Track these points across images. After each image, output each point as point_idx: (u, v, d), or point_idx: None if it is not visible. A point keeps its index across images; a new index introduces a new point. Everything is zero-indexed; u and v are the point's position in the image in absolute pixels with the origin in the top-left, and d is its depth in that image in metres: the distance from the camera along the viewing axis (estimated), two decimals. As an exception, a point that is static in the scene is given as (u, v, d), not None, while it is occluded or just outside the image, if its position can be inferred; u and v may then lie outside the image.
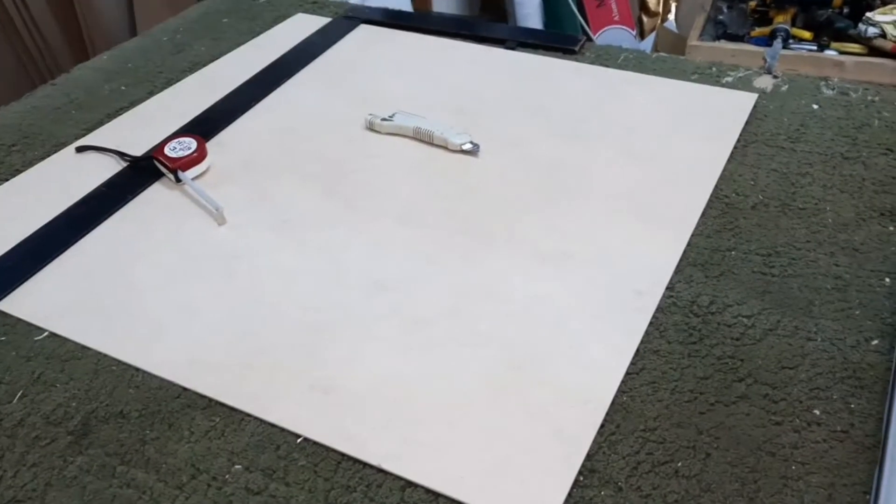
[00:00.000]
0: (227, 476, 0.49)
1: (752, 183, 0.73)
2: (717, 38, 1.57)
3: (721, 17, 1.65)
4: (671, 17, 2.09)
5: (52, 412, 0.54)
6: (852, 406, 0.52)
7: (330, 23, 1.05)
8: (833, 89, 0.86)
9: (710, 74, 0.91)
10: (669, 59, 0.96)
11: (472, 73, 0.92)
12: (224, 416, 0.53)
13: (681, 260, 0.64)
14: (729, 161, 0.76)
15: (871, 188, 0.71)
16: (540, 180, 0.74)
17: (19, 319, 0.61)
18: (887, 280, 0.61)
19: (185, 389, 0.55)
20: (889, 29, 1.44)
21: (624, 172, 0.75)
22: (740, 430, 0.51)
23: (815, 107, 0.83)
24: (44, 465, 0.50)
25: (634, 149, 0.78)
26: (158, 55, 1.01)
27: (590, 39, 0.99)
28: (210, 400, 0.54)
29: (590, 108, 0.85)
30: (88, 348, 0.58)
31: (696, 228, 0.67)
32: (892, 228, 0.66)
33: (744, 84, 0.88)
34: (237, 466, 0.50)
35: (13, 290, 0.64)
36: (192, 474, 0.49)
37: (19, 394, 0.55)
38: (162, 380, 0.56)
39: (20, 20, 1.65)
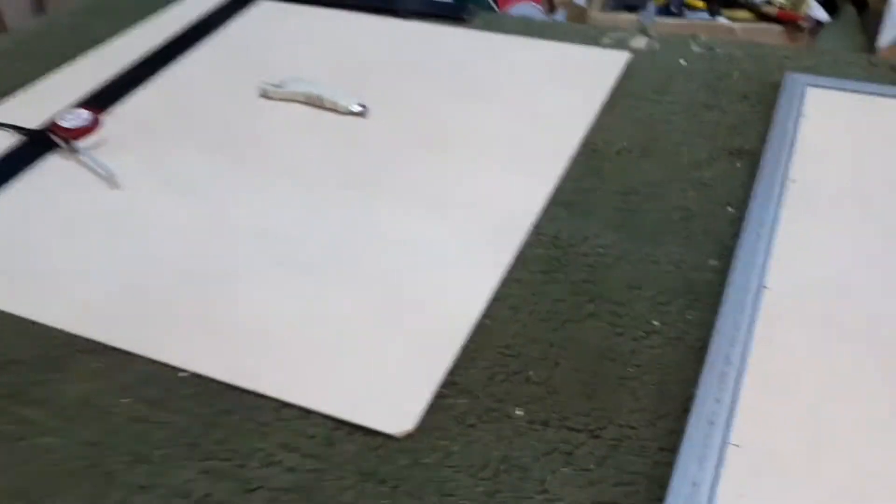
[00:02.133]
0: (114, 408, 0.53)
1: (619, 132, 0.78)
2: (616, 8, 1.64)
3: (622, -11, 1.72)
4: (581, -8, 2.15)
5: (-54, 363, 0.56)
6: (688, 317, 0.58)
7: (227, 0, 1.08)
8: (701, 46, 0.93)
9: (591, 37, 0.96)
10: (554, 24, 1.02)
11: (366, 43, 0.96)
12: (113, 358, 0.56)
13: (548, 201, 0.69)
14: (599, 113, 0.81)
15: (724, 131, 0.78)
16: (423, 137, 0.79)
17: (-86, 283, 0.63)
18: (730, 209, 0.68)
19: (76, 336, 0.58)
20: (775, -4, 1.52)
21: (502, 126, 0.80)
22: (587, 343, 0.56)
23: (683, 62, 0.90)
24: (-63, 409, 0.53)
25: (511, 104, 0.83)
26: (56, 36, 1.02)
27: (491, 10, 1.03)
28: (99, 344, 0.57)
29: (474, 70, 0.89)
30: (-18, 305, 0.61)
31: (564, 173, 0.73)
32: (738, 165, 0.73)
33: (620, 45, 0.94)
34: (124, 400, 0.53)
35: None
36: (80, 409, 0.53)
37: (-87, 349, 0.58)
38: (55, 329, 0.59)
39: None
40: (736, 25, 1.54)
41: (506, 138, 0.78)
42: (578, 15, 1.91)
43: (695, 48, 0.93)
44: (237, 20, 1.03)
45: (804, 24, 1.49)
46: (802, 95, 0.80)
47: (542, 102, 0.83)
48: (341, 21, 1.02)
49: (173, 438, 0.51)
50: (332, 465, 0.49)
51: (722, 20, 1.57)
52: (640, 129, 0.78)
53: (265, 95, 0.86)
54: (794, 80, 0.82)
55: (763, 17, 1.55)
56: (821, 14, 1.52)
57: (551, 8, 2.20)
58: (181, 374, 0.55)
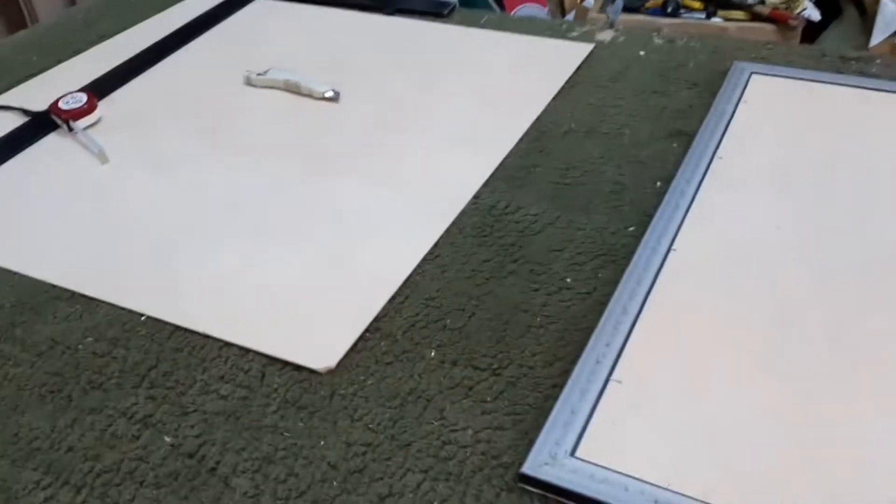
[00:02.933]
0: (79, 346, 0.60)
1: (569, 115, 0.84)
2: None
3: (623, -9, 1.76)
4: (590, -4, 2.20)
5: (-61, 307, 0.64)
6: (600, 275, 0.63)
7: (228, -2, 1.16)
8: (663, 39, 0.98)
9: (560, 30, 1.02)
10: (526, 19, 1.07)
11: (348, 36, 1.03)
12: (84, 304, 0.64)
13: (491, 176, 0.75)
14: (554, 99, 0.87)
15: (669, 115, 0.82)
16: (386, 120, 0.85)
17: (-80, 241, 0.71)
18: (658, 184, 0.72)
19: (54, 286, 0.65)
20: (768, -3, 1.56)
21: (459, 111, 0.86)
22: (504, 297, 0.62)
23: (642, 53, 0.95)
24: (-72, 344, 0.61)
25: (474, 91, 0.89)
26: (70, 31, 1.11)
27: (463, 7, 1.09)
28: (73, 293, 0.65)
29: (443, 61, 0.96)
30: (-24, 260, 0.69)
31: (511, 151, 0.78)
32: (675, 145, 0.78)
33: (587, 37, 0.99)
34: (88, 339, 0.60)
35: (-83, 219, 0.74)
36: (50, 346, 0.60)
37: (-87, 295, 0.66)
38: (35, 280, 0.66)
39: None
40: (729, 25, 1.58)
41: (462, 121, 0.84)
42: (584, 15, 1.96)
43: (657, 40, 0.97)
44: (234, 16, 1.11)
45: (794, 24, 1.53)
46: (746, 82, 0.84)
47: (501, 89, 0.89)
48: (329, 18, 1.09)
49: (126, 371, 0.57)
50: (260, 395, 0.55)
51: (716, 20, 1.61)
52: (589, 112, 0.84)
53: (249, 83, 0.94)
54: (740, 67, 0.87)
55: (756, 16, 1.58)
56: (814, 14, 1.55)
57: (563, 11, 2.25)
58: (142, 318, 0.62)
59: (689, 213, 0.67)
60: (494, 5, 1.89)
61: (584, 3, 2.09)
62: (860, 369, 0.52)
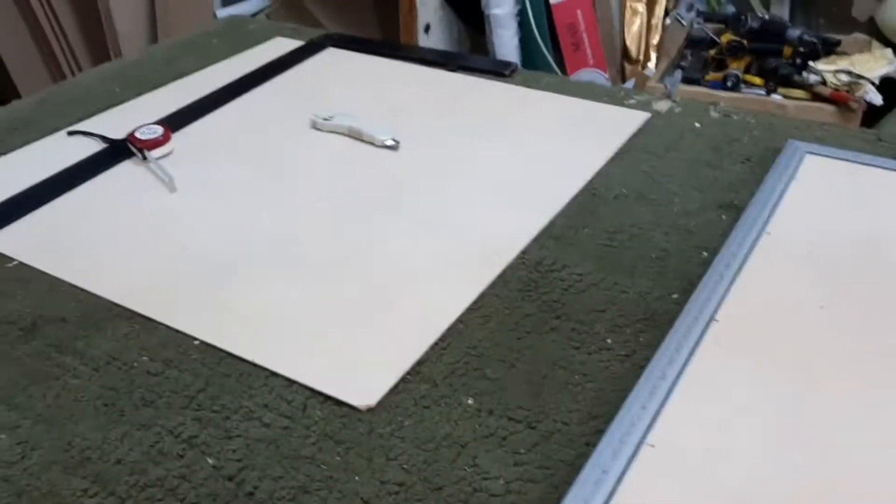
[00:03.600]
0: (134, 363, 0.63)
1: (621, 180, 0.86)
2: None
3: (683, 63, 1.79)
4: (651, 65, 2.24)
5: (9, 315, 0.68)
6: (640, 339, 0.64)
7: (302, 45, 1.21)
8: (719, 112, 1.00)
9: (618, 97, 1.04)
10: (586, 84, 1.10)
11: (412, 88, 1.07)
12: (142, 324, 0.67)
13: (540, 233, 0.77)
14: (607, 163, 0.89)
15: (720, 187, 0.84)
16: (442, 170, 0.88)
17: (-3, 252, 0.76)
18: (704, 254, 0.74)
19: (116, 305, 0.69)
20: (829, 77, 1.57)
21: (514, 167, 0.88)
22: (544, 352, 0.63)
23: (697, 125, 0.96)
24: (-4, 349, 0.65)
25: (529, 150, 0.92)
26: (152, 66, 1.17)
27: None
28: (133, 312, 0.68)
29: (502, 118, 0.99)
30: (46, 273, 0.73)
31: (561, 211, 0.80)
32: (724, 217, 0.79)
33: (644, 106, 1.02)
34: (144, 357, 0.63)
35: (-4, 231, 0.79)
36: (108, 361, 0.63)
37: (-14, 302, 0.70)
38: (99, 297, 0.70)
39: (49, 28, 1.86)
40: (788, 103, 1.59)
41: (515, 177, 0.86)
42: (643, 84, 1.99)
43: (713, 113, 0.99)
44: (305, 63, 1.16)
45: (855, 106, 1.53)
46: (800, 160, 0.85)
47: (556, 149, 0.91)
48: (395, 69, 1.14)
49: (177, 391, 0.60)
50: (301, 426, 0.57)
51: (776, 97, 1.62)
52: (641, 179, 0.85)
53: (314, 127, 0.98)
54: (794, 146, 0.88)
55: (816, 96, 1.59)
56: (875, 98, 1.55)
57: (623, 77, 2.29)
58: (195, 342, 0.65)
59: (734, 285, 0.67)
60: (556, 68, 1.94)
61: (645, 72, 2.12)
62: (892, 450, 0.52)
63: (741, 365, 0.60)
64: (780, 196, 0.80)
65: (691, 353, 0.60)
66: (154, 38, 2.00)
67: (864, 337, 0.62)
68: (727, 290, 0.67)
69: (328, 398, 0.59)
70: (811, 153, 0.87)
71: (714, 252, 0.73)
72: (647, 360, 0.61)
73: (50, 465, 0.54)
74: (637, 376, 0.59)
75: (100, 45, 1.95)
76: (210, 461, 0.54)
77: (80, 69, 1.94)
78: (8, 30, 1.91)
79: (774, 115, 0.99)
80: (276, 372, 0.61)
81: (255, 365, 0.62)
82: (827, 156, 0.87)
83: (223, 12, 1.89)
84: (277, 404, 0.59)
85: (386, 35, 2.17)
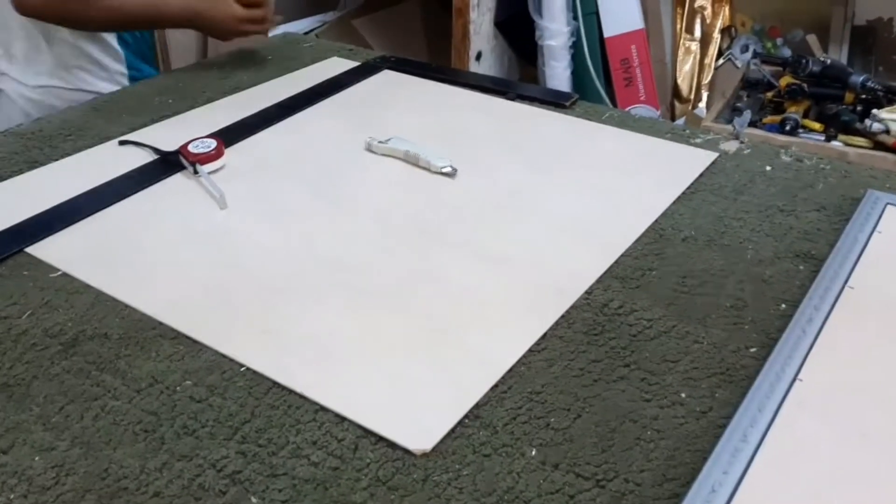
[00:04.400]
0: (177, 387, 0.59)
1: (689, 222, 0.81)
2: (730, 122, 1.67)
3: (739, 104, 1.75)
4: (701, 105, 2.20)
5: (51, 328, 0.65)
6: (717, 395, 0.59)
7: (358, 66, 1.19)
8: (791, 157, 0.95)
9: (683, 135, 1.00)
10: (649, 119, 1.06)
11: (470, 114, 1.04)
12: (187, 346, 0.64)
13: (605, 272, 0.73)
14: (674, 203, 0.85)
15: (795, 235, 0.79)
16: (501, 200, 0.85)
17: (41, 261, 0.74)
18: (783, 306, 0.69)
19: (160, 323, 0.66)
20: (893, 126, 1.51)
21: (577, 202, 0.84)
22: (613, 402, 0.59)
23: (769, 168, 0.92)
24: (35, 363, 0.62)
25: (592, 185, 0.88)
26: (206, 78, 1.16)
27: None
28: (178, 332, 0.65)
29: (563, 150, 0.95)
30: (91, 286, 0.70)
31: (627, 250, 0.76)
32: (801, 268, 0.74)
33: (711, 146, 0.98)
34: (188, 382, 0.60)
35: (42, 239, 0.76)
36: (150, 383, 0.60)
37: (28, 312, 0.67)
38: (144, 314, 0.67)
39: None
40: (850, 150, 1.54)
41: (578, 212, 0.82)
42: (695, 124, 1.95)
43: (784, 157, 0.95)
44: (361, 83, 1.14)
45: (920, 157, 1.47)
46: (882, 212, 0.81)
47: (622, 186, 0.88)
48: (453, 95, 1.11)
49: (221, 420, 0.57)
50: (352, 468, 0.53)
51: (836, 144, 1.57)
52: (711, 221, 0.81)
53: (370, 149, 0.95)
54: (875, 197, 0.83)
55: (879, 145, 1.54)
56: (941, 149, 1.50)
57: (672, 116, 2.25)
58: (241, 369, 0.61)
59: (817, 343, 0.63)
60: (608, 102, 1.90)
61: (696, 112, 2.08)
62: None
63: (829, 431, 0.55)
64: (863, 249, 0.75)
65: (775, 415, 0.56)
66: (204, 52, 2.00)
67: (964, 408, 0.57)
68: (810, 348, 0.62)
69: (381, 439, 0.55)
70: (892, 204, 0.82)
71: (793, 304, 0.68)
72: (725, 418, 0.57)
73: (84, 493, 0.51)
74: (714, 436, 0.55)
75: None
76: (254, 500, 0.51)
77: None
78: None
79: (850, 163, 0.94)
80: (327, 407, 0.57)
81: (304, 397, 0.58)
82: (910, 209, 0.82)
83: (285, 31, 1.88)
84: (327, 442, 0.55)
85: (435, 61, 2.15)
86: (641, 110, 1.93)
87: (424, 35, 2.33)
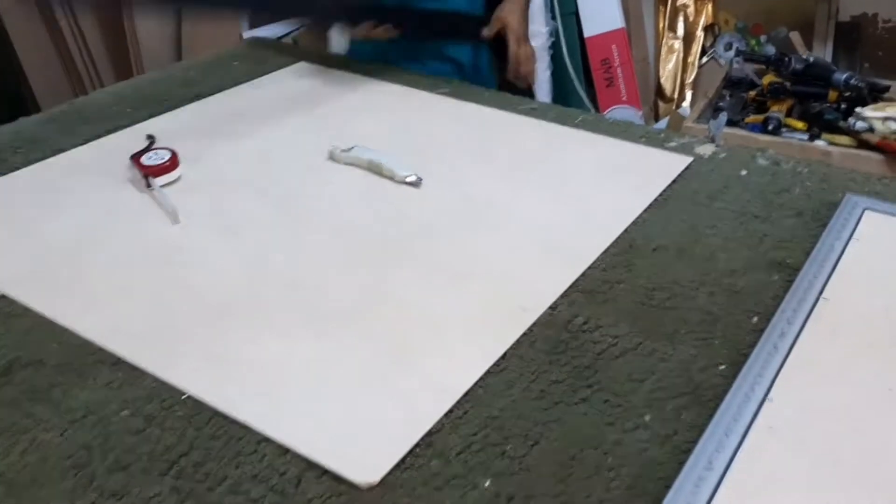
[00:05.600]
0: (113, 418, 0.56)
1: (661, 231, 0.78)
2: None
3: (722, 103, 1.72)
4: (685, 104, 2.17)
5: (-16, 355, 0.62)
6: (682, 417, 0.56)
7: (324, 71, 1.16)
8: (768, 160, 0.92)
9: (657, 139, 0.97)
10: (623, 124, 1.03)
11: (439, 122, 1.01)
12: (127, 372, 0.60)
13: (570, 286, 0.70)
14: (645, 211, 0.82)
15: (770, 243, 0.76)
16: (467, 212, 0.81)
17: (-20, 282, 0.70)
18: (755, 319, 0.66)
19: (100, 349, 0.63)
20: (877, 124, 1.49)
21: (545, 212, 0.81)
22: (573, 426, 0.55)
23: (744, 172, 0.89)
24: (-36, 394, 0.58)
25: (562, 194, 0.85)
26: (167, 86, 1.13)
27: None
28: (119, 358, 0.61)
29: (533, 157, 0.92)
30: (31, 309, 0.67)
31: (594, 262, 0.73)
32: (776, 278, 0.71)
33: (685, 149, 0.95)
34: (125, 412, 0.57)
35: (-17, 259, 0.73)
36: (85, 414, 0.57)
37: (-39, 338, 0.64)
38: (84, 339, 0.63)
39: (74, 46, 1.83)
40: (833, 150, 1.51)
41: (544, 222, 0.79)
42: (678, 124, 1.92)
43: (760, 161, 0.92)
44: (327, 91, 1.11)
45: (904, 156, 1.45)
46: (859, 219, 0.78)
47: (590, 194, 0.84)
48: (424, 101, 1.07)
49: (157, 454, 0.53)
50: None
51: (820, 143, 1.55)
52: (683, 230, 0.78)
53: (332, 158, 0.92)
54: (853, 201, 0.80)
55: (863, 144, 1.51)
56: (926, 147, 1.47)
57: (656, 116, 2.22)
58: (183, 397, 0.58)
59: (789, 359, 0.60)
60: (589, 104, 1.88)
61: (679, 111, 2.05)
62: None
63: (800, 457, 0.52)
64: (839, 257, 0.72)
65: (742, 439, 0.53)
66: (179, 58, 1.97)
67: (943, 428, 0.54)
68: (782, 365, 0.59)
69: (326, 472, 0.52)
70: (871, 210, 0.79)
71: (765, 317, 0.65)
72: (690, 442, 0.54)
73: (5, 537, 0.48)
74: (679, 462, 0.52)
75: (125, 65, 1.92)
76: (185, 543, 0.47)
77: (98, 77, 1.91)
78: (33, 47, 1.88)
79: (829, 166, 0.91)
80: (270, 437, 0.54)
81: (246, 427, 0.55)
82: (889, 213, 0.79)
83: (250, 34, 1.85)
84: (268, 476, 0.52)
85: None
86: (623, 111, 1.90)
87: (405, 37, 2.29)
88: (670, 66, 2.16)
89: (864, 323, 0.64)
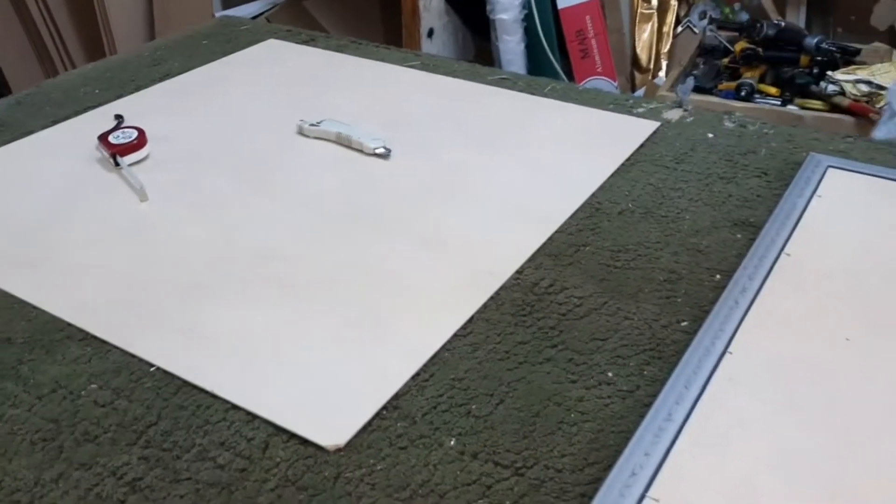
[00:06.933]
0: (82, 392, 0.57)
1: (627, 194, 0.79)
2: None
3: (696, 71, 1.73)
4: (661, 73, 2.17)
5: (-48, 334, 0.62)
6: (645, 372, 0.57)
7: (295, 47, 1.16)
8: (734, 122, 0.93)
9: (626, 105, 0.98)
10: (592, 91, 1.04)
11: (409, 94, 1.01)
12: (95, 347, 0.61)
13: (537, 250, 0.71)
14: (613, 175, 0.82)
15: (734, 203, 0.77)
16: (436, 182, 0.82)
17: (-53, 264, 0.70)
18: (717, 276, 0.67)
19: (69, 325, 0.63)
20: (848, 87, 1.50)
21: (514, 179, 0.82)
22: (537, 385, 0.56)
23: (710, 135, 0.90)
24: (-68, 373, 0.58)
25: (530, 160, 0.85)
26: (135, 66, 1.12)
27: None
28: (87, 334, 0.62)
29: (503, 126, 0.92)
30: (-1, 289, 0.67)
31: (562, 226, 0.74)
32: (739, 236, 0.72)
33: (653, 115, 0.95)
34: (93, 385, 0.57)
35: (-50, 241, 0.73)
36: (53, 388, 0.57)
37: (-71, 319, 0.64)
38: (52, 316, 0.64)
39: (44, 28, 1.81)
40: (805, 114, 1.52)
41: (513, 189, 0.80)
42: (654, 94, 1.93)
43: (727, 123, 0.93)
44: (297, 65, 1.10)
45: (875, 118, 1.46)
46: (822, 176, 0.79)
47: (559, 160, 0.85)
48: (394, 73, 1.07)
49: (124, 425, 0.54)
50: (260, 468, 0.50)
51: (792, 108, 1.56)
52: (649, 192, 0.79)
53: (301, 132, 0.92)
54: (816, 160, 0.81)
55: (835, 107, 1.52)
56: (897, 109, 1.48)
57: (633, 87, 2.22)
58: (151, 369, 0.58)
59: (750, 313, 0.61)
60: (563, 76, 1.87)
61: (656, 81, 2.06)
62: (939, 517, 0.45)
63: (760, 406, 0.53)
64: (801, 214, 0.73)
65: (702, 391, 0.54)
66: (151, 39, 1.95)
67: (897, 375, 0.55)
68: (742, 320, 0.60)
69: (294, 436, 0.53)
70: (834, 167, 0.80)
71: (728, 275, 0.66)
72: (652, 396, 0.55)
73: (-26, 509, 0.48)
74: (640, 416, 0.53)
75: (96, 46, 1.90)
76: (154, 508, 0.48)
77: (70, 59, 1.90)
78: (3, 29, 1.86)
79: (795, 127, 0.92)
80: (238, 405, 0.55)
81: (215, 396, 0.56)
82: (851, 170, 0.80)
83: (223, 14, 1.83)
84: (236, 442, 0.52)
85: (390, 40, 2.11)
86: (599, 82, 1.90)
87: (380, 15, 2.28)
88: (645, 36, 2.16)
89: (824, 276, 0.65)
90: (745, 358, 0.57)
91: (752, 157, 0.85)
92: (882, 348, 0.58)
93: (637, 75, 2.17)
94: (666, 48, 2.22)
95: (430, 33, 1.86)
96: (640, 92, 2.12)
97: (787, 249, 0.68)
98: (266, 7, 2.18)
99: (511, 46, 1.84)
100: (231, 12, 1.89)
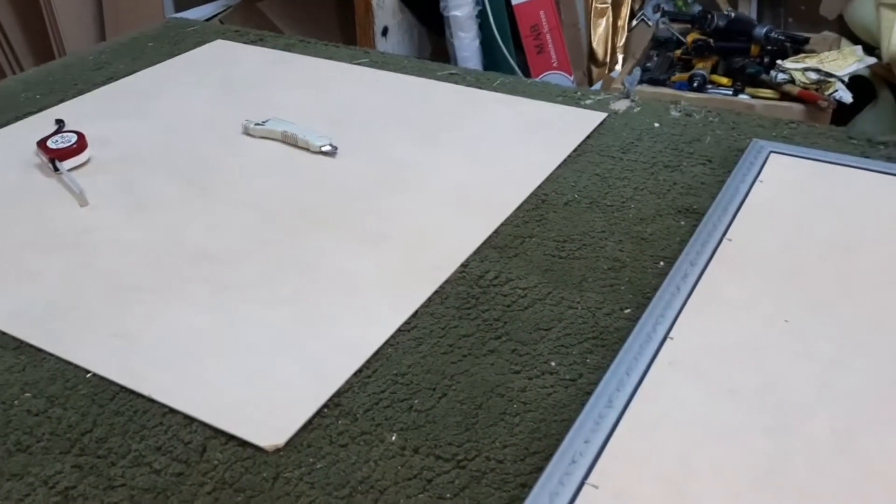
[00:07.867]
0: (14, 402, 0.55)
1: (573, 184, 0.79)
2: (642, 82, 1.66)
3: (649, 64, 1.74)
4: (618, 67, 2.19)
5: None
6: (588, 361, 0.57)
7: (240, 47, 1.14)
8: (680, 111, 0.94)
9: (574, 97, 0.98)
10: (540, 83, 1.04)
11: (357, 91, 1.01)
12: (30, 356, 0.59)
13: (483, 243, 0.70)
14: (559, 166, 0.82)
15: (678, 191, 0.78)
16: (384, 177, 0.81)
17: None
18: (661, 263, 0.67)
19: (3, 333, 0.61)
20: (797, 75, 1.52)
21: (461, 173, 0.82)
22: (480, 377, 0.56)
23: (657, 125, 0.90)
24: None
25: (478, 154, 0.85)
26: (79, 70, 1.10)
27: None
28: (22, 342, 0.60)
29: (451, 121, 0.92)
30: (-71, 299, 0.65)
31: (507, 219, 0.74)
32: (683, 223, 0.72)
33: (601, 106, 0.95)
34: (27, 394, 0.56)
35: None
36: (-15, 399, 0.55)
37: None
38: (-15, 325, 0.62)
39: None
40: (756, 103, 1.54)
41: (460, 184, 0.79)
42: (610, 86, 1.94)
43: (673, 113, 0.93)
44: (242, 65, 1.09)
45: (824, 105, 1.48)
46: (764, 161, 0.79)
47: (505, 153, 0.85)
48: (342, 71, 1.07)
49: (58, 434, 0.52)
50: (197, 472, 0.50)
51: (743, 97, 1.57)
52: (595, 182, 0.79)
53: (247, 132, 0.91)
54: (759, 146, 0.82)
55: (785, 96, 1.54)
56: (845, 96, 1.51)
57: (590, 81, 2.24)
58: (87, 375, 0.57)
59: (691, 299, 0.61)
60: (519, 72, 1.88)
61: (612, 75, 2.07)
62: (872, 487, 0.46)
63: (699, 389, 0.53)
64: (743, 199, 0.74)
65: (643, 377, 0.54)
66: (101, 39, 1.92)
67: (835, 354, 0.56)
68: (683, 305, 0.60)
69: (232, 438, 0.52)
70: (776, 152, 0.81)
71: (671, 262, 0.67)
72: (594, 384, 0.54)
73: None
74: (582, 404, 0.53)
75: (44, 49, 1.86)
76: (86, 517, 0.47)
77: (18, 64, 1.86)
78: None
79: (739, 114, 0.93)
80: (175, 409, 0.54)
81: (152, 401, 0.55)
82: (793, 155, 0.81)
83: (172, 17, 1.81)
84: (172, 447, 0.51)
85: (346, 40, 2.10)
86: (555, 77, 1.91)
87: (336, 14, 2.27)
88: (601, 30, 2.18)
89: (764, 260, 0.66)
90: (685, 343, 0.57)
91: (697, 144, 0.86)
92: (819, 328, 0.58)
93: (594, 69, 2.18)
94: (621, 42, 2.23)
95: (385, 31, 1.86)
96: (597, 86, 2.13)
97: (728, 235, 0.69)
98: (219, 9, 2.15)
99: (466, 43, 1.84)
100: (183, 14, 1.86)
